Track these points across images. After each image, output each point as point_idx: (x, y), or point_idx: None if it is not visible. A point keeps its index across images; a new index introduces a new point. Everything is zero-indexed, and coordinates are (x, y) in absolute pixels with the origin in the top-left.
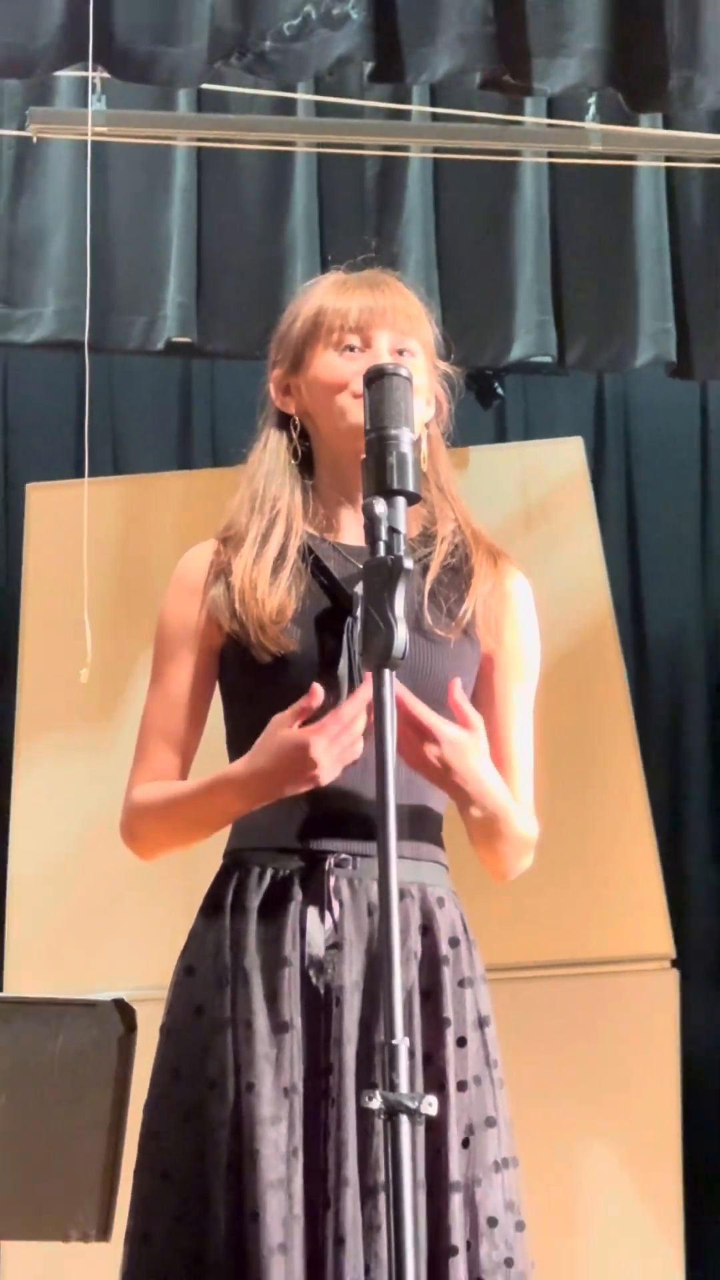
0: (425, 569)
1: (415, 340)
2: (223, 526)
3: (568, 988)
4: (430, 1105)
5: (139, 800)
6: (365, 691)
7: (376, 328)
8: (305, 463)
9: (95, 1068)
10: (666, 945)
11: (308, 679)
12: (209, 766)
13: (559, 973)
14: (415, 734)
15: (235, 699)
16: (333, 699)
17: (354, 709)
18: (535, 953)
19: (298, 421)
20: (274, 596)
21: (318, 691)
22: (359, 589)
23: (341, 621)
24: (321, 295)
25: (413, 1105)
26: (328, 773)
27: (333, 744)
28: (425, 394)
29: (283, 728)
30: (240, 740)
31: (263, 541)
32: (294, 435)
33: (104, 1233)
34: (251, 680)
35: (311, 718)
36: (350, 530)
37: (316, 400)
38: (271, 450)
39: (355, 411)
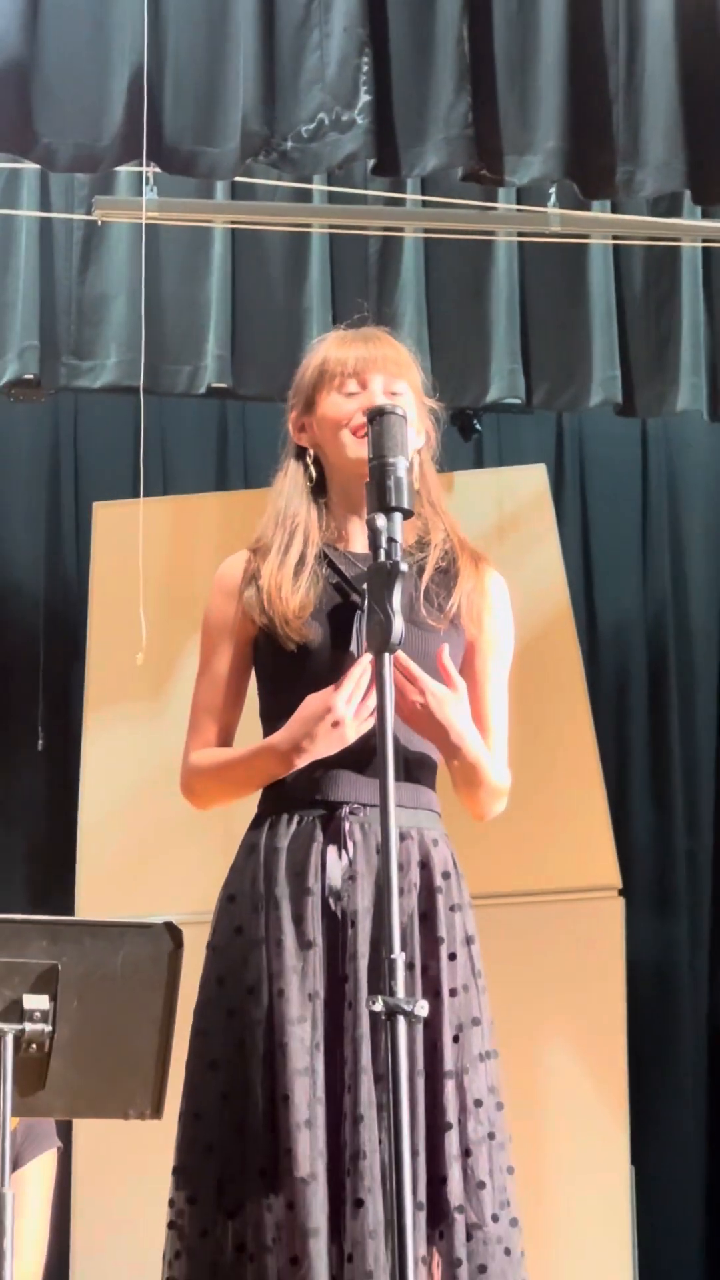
0: (420, 570)
1: (403, 382)
2: (253, 539)
3: (532, 913)
4: (422, 1008)
5: (195, 763)
6: (366, 660)
7: (371, 373)
8: (318, 486)
9: (149, 978)
10: (614, 877)
11: (325, 662)
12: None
13: (525, 900)
14: (407, 685)
15: (267, 680)
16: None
17: (359, 670)
18: (504, 884)
19: (312, 453)
20: (296, 596)
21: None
22: (365, 587)
23: (351, 615)
24: (326, 349)
25: (408, 1008)
26: (350, 728)
27: (349, 702)
28: (415, 426)
29: (317, 700)
30: (272, 713)
31: (285, 551)
32: (309, 464)
33: (156, 1112)
34: (280, 664)
35: None
36: (356, 540)
37: (325, 434)
38: (291, 477)
39: (355, 445)
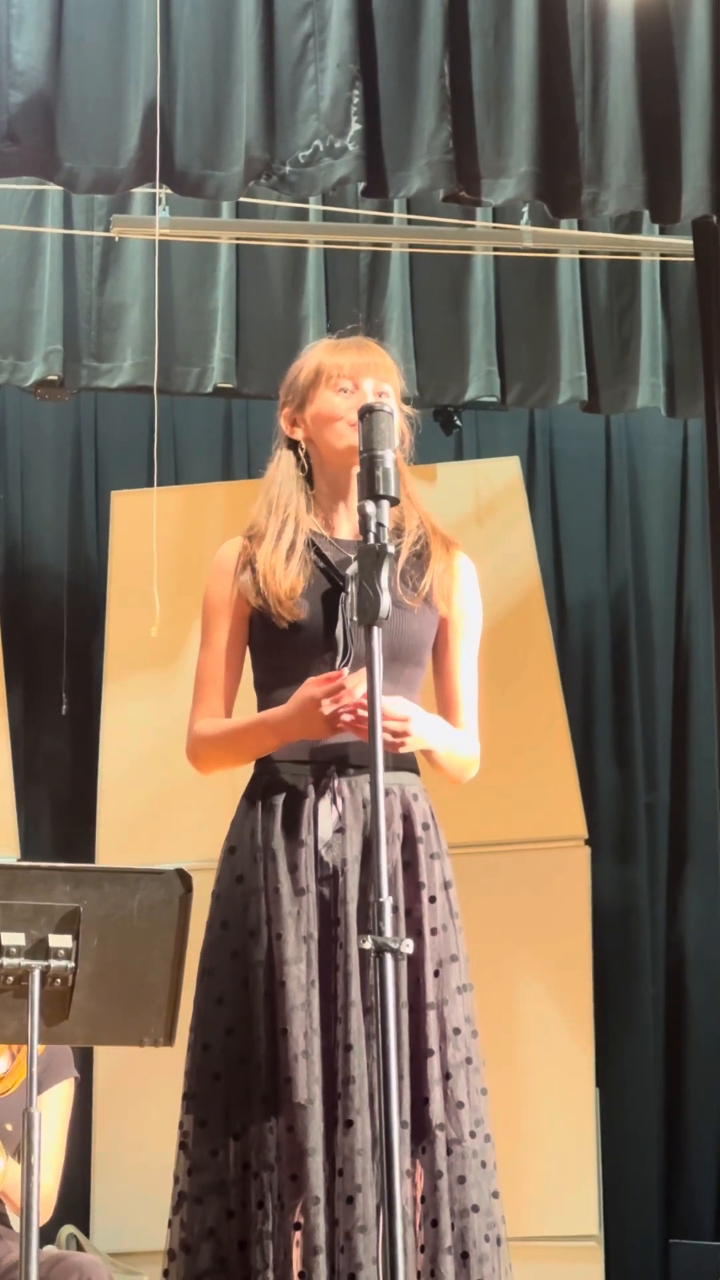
0: (396, 556)
1: (389, 385)
2: (247, 526)
3: (507, 860)
4: (407, 946)
5: (200, 732)
6: (361, 673)
7: (363, 376)
8: (308, 476)
9: (163, 919)
10: (581, 828)
11: (314, 639)
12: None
13: (501, 849)
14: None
15: (261, 654)
16: (331, 654)
17: (354, 680)
18: (483, 834)
19: (303, 446)
20: (287, 578)
21: (344, 672)
22: (350, 571)
23: (338, 596)
24: (320, 354)
25: (394, 946)
26: (331, 722)
27: (334, 701)
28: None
29: (307, 684)
30: (265, 683)
31: (278, 537)
32: (299, 456)
33: (169, 1040)
34: (273, 640)
35: (316, 672)
36: (342, 527)
37: (319, 428)
38: (283, 468)
39: (348, 436)
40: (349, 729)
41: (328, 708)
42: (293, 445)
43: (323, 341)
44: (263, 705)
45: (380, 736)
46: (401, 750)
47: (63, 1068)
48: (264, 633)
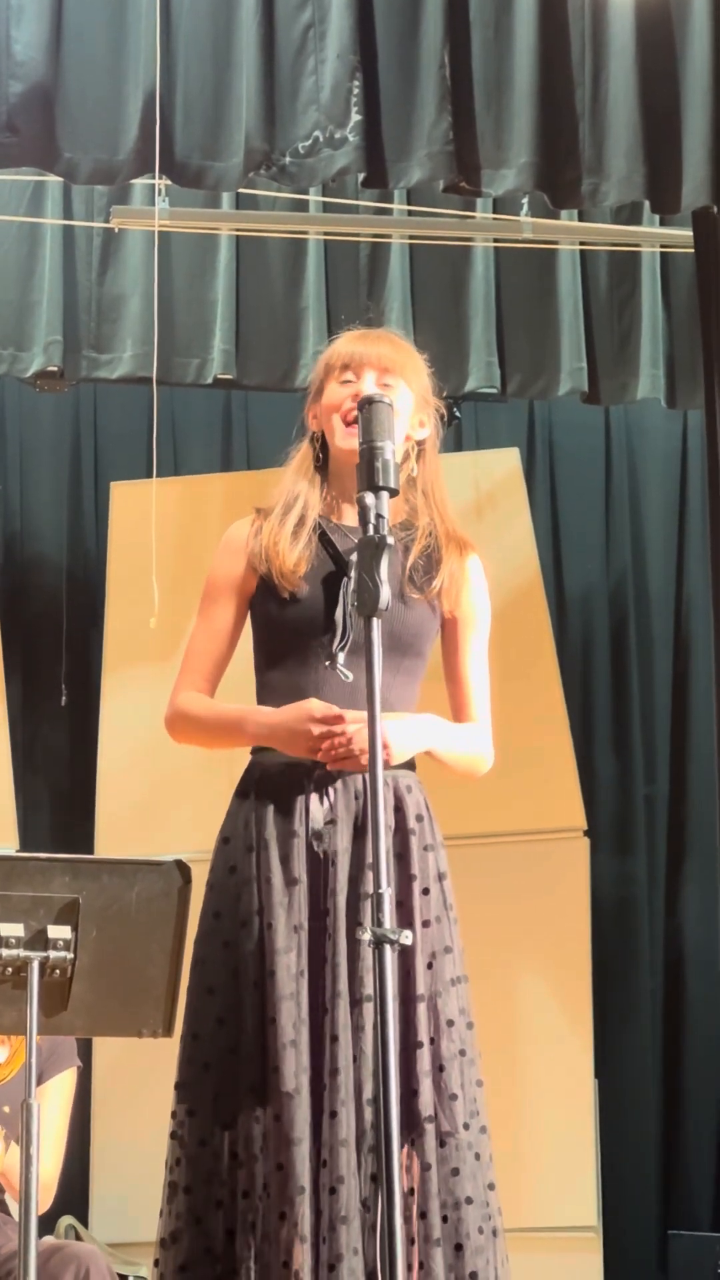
0: (406, 550)
1: (397, 376)
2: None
3: (507, 851)
4: (406, 937)
5: (182, 706)
6: (354, 715)
7: (364, 367)
8: (323, 466)
9: (161, 910)
10: (580, 819)
11: (314, 621)
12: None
13: (500, 840)
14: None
15: (263, 626)
16: (330, 638)
17: (352, 715)
18: (482, 825)
19: (319, 436)
20: (293, 552)
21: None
22: (353, 558)
23: (340, 581)
24: (335, 345)
25: (395, 937)
26: (313, 746)
27: (322, 724)
28: (410, 418)
29: (310, 705)
30: (263, 653)
31: (286, 512)
32: (316, 446)
33: (167, 1031)
34: (274, 612)
35: (314, 655)
36: (349, 515)
37: (324, 418)
38: (301, 455)
39: (343, 432)
40: (325, 758)
41: (316, 729)
42: (312, 435)
43: (343, 334)
44: (258, 686)
45: (380, 732)
46: (393, 764)
47: (66, 1056)
48: (266, 604)
